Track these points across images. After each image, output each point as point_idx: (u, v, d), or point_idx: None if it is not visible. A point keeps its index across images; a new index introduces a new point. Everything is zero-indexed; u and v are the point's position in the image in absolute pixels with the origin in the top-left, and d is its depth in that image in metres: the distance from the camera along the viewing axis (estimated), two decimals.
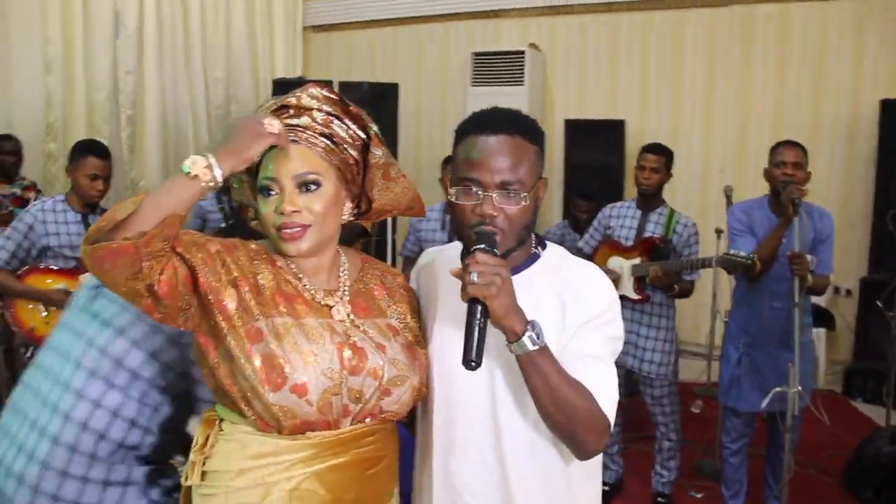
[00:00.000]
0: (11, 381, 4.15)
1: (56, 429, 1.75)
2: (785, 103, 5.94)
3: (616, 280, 3.73)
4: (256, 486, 1.43)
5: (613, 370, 1.49)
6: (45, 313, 3.47)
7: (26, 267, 3.46)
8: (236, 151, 1.37)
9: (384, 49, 7.67)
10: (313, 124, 1.48)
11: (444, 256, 1.67)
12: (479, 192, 1.44)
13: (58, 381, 1.81)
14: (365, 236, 3.11)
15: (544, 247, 1.60)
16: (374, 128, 1.55)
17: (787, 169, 3.32)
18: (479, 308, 1.34)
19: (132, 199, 1.32)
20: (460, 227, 1.48)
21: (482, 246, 1.38)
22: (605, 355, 1.48)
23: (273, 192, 1.47)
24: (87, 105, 6.34)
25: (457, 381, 1.51)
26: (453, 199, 1.47)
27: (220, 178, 1.35)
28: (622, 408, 3.99)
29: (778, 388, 3.14)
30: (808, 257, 3.17)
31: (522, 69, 6.51)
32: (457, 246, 1.58)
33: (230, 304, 1.42)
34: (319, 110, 1.50)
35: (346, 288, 1.56)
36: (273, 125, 1.41)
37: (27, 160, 5.48)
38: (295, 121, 1.48)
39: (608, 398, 1.43)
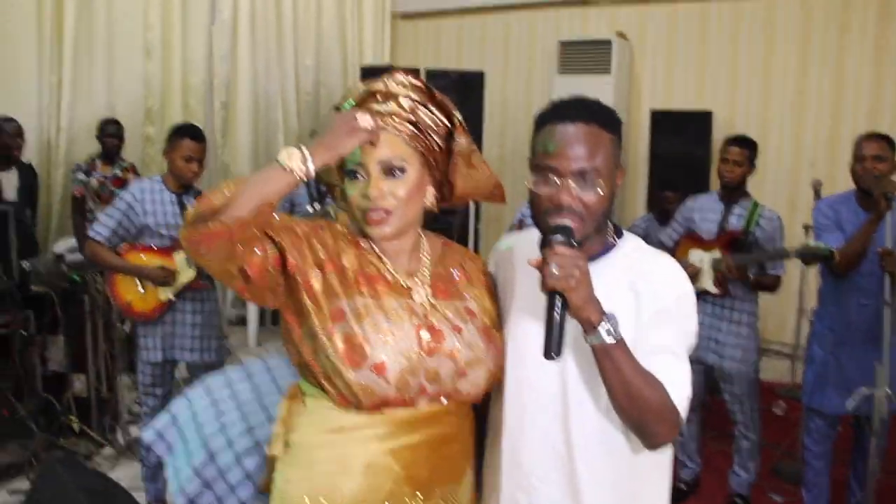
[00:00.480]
0: (110, 352, 4.37)
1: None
2: (883, 93, 5.68)
3: (696, 274, 3.68)
4: (335, 459, 1.49)
5: (686, 364, 1.48)
6: (141, 289, 3.62)
7: (125, 244, 3.62)
8: (330, 147, 1.43)
9: (471, 37, 7.69)
10: (399, 111, 1.52)
11: (523, 242, 1.69)
12: (557, 180, 1.45)
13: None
14: (434, 223, 3.24)
15: (620, 236, 1.60)
16: (459, 116, 1.58)
17: (866, 163, 3.22)
18: (559, 300, 1.36)
19: (228, 185, 1.39)
20: (537, 215, 1.50)
21: (561, 238, 1.39)
22: (677, 349, 1.48)
23: (360, 176, 1.51)
24: (182, 90, 6.58)
25: (530, 366, 1.53)
26: (531, 187, 1.49)
27: (312, 172, 1.40)
28: (701, 405, 3.94)
29: (864, 389, 3.05)
30: None
31: (609, 58, 6.44)
32: (536, 231, 1.58)
33: (316, 284, 1.48)
34: (406, 97, 1.53)
35: (426, 270, 1.60)
36: (366, 121, 1.45)
37: (126, 143, 5.74)
38: (382, 107, 1.52)
39: (680, 391, 1.44)
